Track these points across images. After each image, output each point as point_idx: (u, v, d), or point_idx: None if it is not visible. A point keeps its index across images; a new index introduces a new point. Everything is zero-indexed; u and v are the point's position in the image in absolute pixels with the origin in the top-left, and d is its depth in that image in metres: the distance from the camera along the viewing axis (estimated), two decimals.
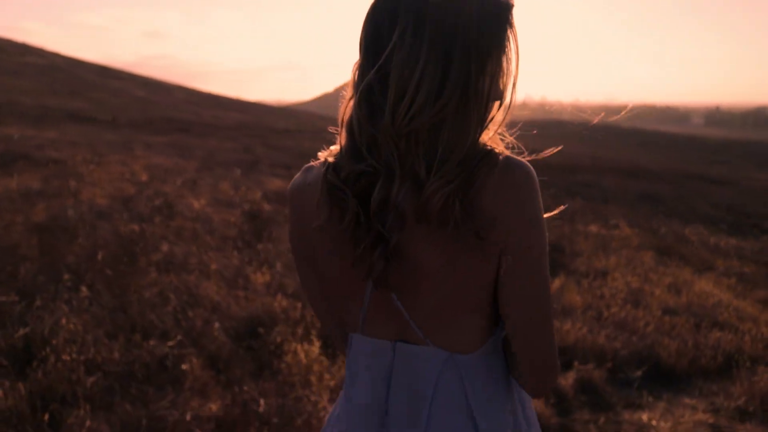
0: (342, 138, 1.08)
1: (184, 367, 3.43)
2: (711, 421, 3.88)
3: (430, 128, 0.99)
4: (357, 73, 1.06)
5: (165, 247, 5.75)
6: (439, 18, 0.98)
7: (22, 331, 3.60)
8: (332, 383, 3.47)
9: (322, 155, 1.12)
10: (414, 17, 0.98)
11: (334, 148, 1.11)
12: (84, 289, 4.40)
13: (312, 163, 1.15)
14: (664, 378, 4.54)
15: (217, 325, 4.09)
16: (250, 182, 11.28)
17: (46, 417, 2.82)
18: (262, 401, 3.09)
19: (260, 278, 5.37)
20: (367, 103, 1.01)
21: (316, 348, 3.87)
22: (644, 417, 3.87)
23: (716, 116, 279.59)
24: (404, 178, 0.99)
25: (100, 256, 5.15)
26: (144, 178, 10.21)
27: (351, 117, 1.04)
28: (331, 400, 3.26)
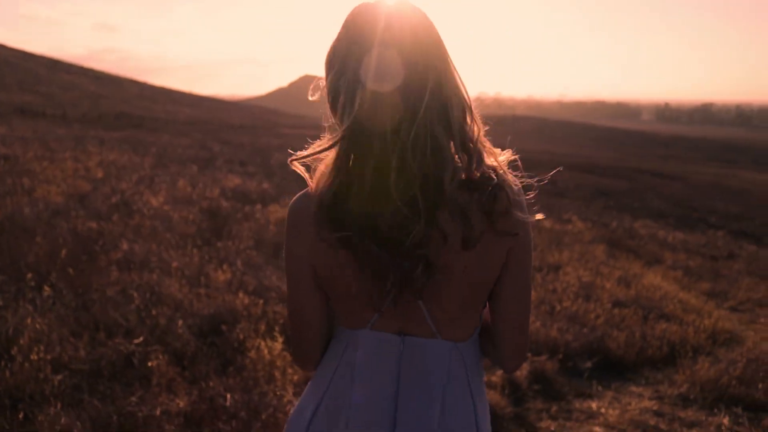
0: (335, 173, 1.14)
1: (150, 364, 3.50)
2: (655, 408, 4.10)
3: None
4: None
5: (125, 246, 5.76)
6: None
7: None
8: (296, 378, 3.57)
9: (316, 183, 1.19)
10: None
11: (320, 174, 1.18)
12: (47, 288, 4.42)
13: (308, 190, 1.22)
14: (613, 368, 4.75)
15: (180, 322, 4.15)
16: (207, 179, 11.25)
17: (21, 416, 2.86)
18: (228, 396, 3.18)
19: (221, 276, 5.43)
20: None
21: (279, 344, 3.96)
22: (594, 405, 4.07)
23: (666, 113, 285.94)
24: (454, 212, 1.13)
25: (62, 255, 5.15)
26: (99, 174, 10.12)
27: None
28: (296, 394, 3.36)
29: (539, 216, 1.25)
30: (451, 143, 1.14)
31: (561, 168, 1.33)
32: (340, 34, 1.17)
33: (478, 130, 1.18)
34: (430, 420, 1.23)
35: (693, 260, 10.46)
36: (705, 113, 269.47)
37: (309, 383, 1.36)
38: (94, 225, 6.43)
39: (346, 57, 1.13)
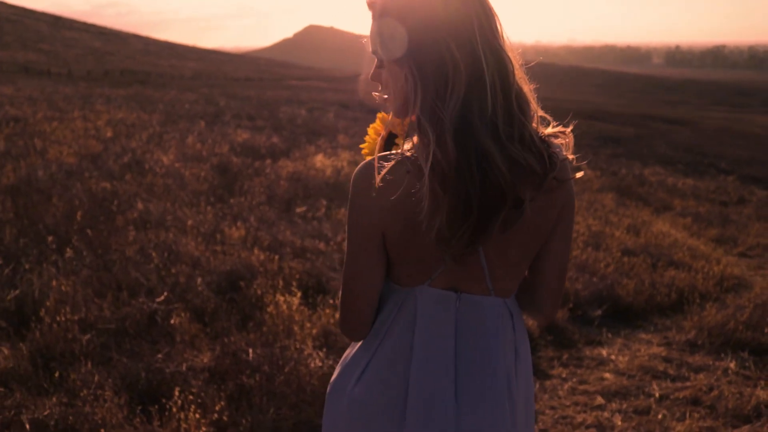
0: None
1: (173, 321, 3.61)
2: (664, 354, 4.20)
3: None
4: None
5: (140, 205, 5.85)
6: None
7: (13, 294, 3.73)
8: (314, 331, 3.68)
9: (405, 148, 1.26)
10: None
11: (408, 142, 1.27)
12: (69, 250, 4.53)
13: (388, 154, 1.25)
14: (623, 316, 4.86)
15: (199, 280, 4.25)
16: (216, 135, 11.29)
17: (57, 375, 2.99)
18: (250, 351, 3.29)
19: (235, 233, 5.53)
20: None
21: (296, 299, 4.07)
22: (604, 352, 4.18)
23: (676, 56, 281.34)
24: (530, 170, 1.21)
25: (78, 217, 5.25)
26: (109, 134, 10.18)
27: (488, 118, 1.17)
28: (316, 347, 3.48)
29: (580, 174, 1.32)
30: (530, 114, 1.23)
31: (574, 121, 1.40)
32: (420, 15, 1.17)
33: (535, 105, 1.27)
34: (495, 384, 1.34)
35: (702, 206, 10.48)
36: (717, 56, 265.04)
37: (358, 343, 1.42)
38: (108, 185, 6.52)
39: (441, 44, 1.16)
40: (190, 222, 5.56)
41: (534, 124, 1.24)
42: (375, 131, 1.51)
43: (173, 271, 4.39)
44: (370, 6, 1.25)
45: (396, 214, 1.22)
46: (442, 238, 1.19)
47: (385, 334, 1.36)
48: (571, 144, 1.32)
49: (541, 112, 1.27)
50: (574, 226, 7.36)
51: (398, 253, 1.29)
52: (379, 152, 1.26)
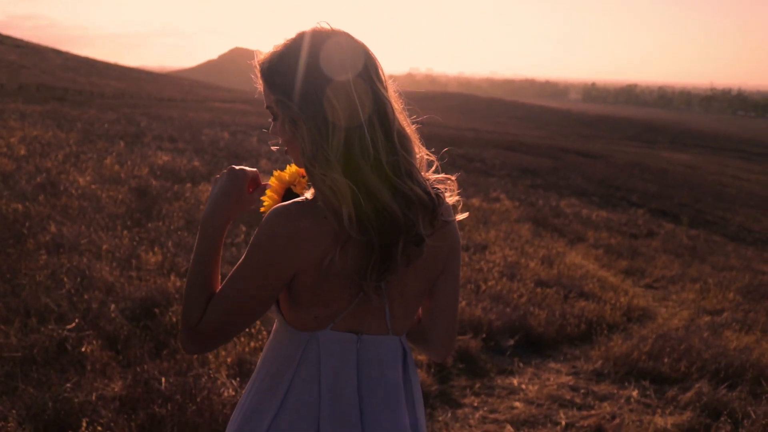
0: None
1: (83, 349, 3.52)
2: (572, 383, 4.37)
3: None
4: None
5: (53, 228, 5.68)
6: None
7: None
8: (229, 360, 3.67)
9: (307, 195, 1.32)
10: None
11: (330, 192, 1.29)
12: None
13: (299, 200, 1.31)
14: (534, 345, 5.02)
15: (113, 306, 4.17)
16: (136, 156, 11.05)
17: None
18: (163, 380, 3.25)
19: (152, 258, 5.43)
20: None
21: None
22: (515, 381, 4.31)
23: (592, 92, 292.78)
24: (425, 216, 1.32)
25: None
26: (22, 152, 9.82)
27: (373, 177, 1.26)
28: (230, 376, 3.46)
29: (464, 215, 1.43)
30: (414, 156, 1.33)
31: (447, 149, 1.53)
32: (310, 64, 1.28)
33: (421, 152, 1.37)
34: (398, 419, 1.40)
35: (614, 238, 10.93)
36: (629, 94, 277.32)
37: (257, 381, 1.42)
38: (19, 206, 6.29)
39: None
40: (105, 246, 5.43)
41: (418, 165, 1.34)
42: (273, 190, 1.55)
43: (85, 297, 4.28)
44: (258, 66, 1.36)
45: (311, 259, 1.27)
46: (355, 276, 1.27)
47: (289, 384, 1.37)
48: (455, 188, 1.41)
49: (425, 154, 1.37)
50: (491, 256, 7.58)
51: (310, 297, 1.32)
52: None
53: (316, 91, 1.25)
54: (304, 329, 1.36)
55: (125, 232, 6.12)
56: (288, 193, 1.54)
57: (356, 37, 1.32)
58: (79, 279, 4.56)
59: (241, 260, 1.30)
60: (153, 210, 7.27)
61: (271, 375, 1.40)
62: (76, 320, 3.85)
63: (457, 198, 1.41)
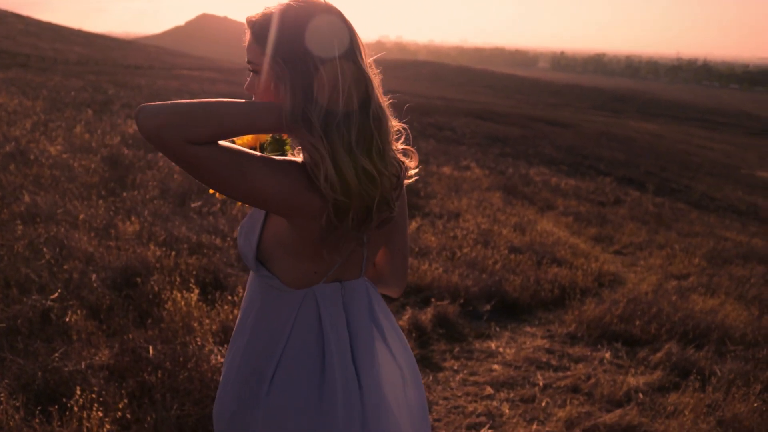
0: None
1: (67, 319, 3.54)
2: (547, 346, 4.50)
3: None
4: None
5: (27, 198, 5.63)
6: None
7: None
8: (214, 327, 3.71)
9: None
10: None
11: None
12: None
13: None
14: (510, 310, 5.14)
15: (94, 276, 4.17)
16: (105, 125, 10.91)
17: None
18: (150, 348, 3.29)
19: (130, 227, 5.42)
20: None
21: (194, 295, 4.07)
22: (492, 345, 4.43)
23: (561, 61, 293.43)
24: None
25: None
26: None
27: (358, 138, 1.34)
28: (217, 343, 3.51)
29: (413, 179, 1.55)
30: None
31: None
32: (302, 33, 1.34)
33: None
34: (386, 349, 1.60)
35: (583, 206, 11.11)
36: (597, 63, 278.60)
37: (250, 345, 1.51)
38: None
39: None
40: (81, 216, 5.40)
41: (390, 137, 1.43)
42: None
43: (66, 267, 4.28)
44: (249, 22, 1.41)
45: (313, 213, 1.37)
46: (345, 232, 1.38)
47: (287, 339, 1.48)
48: (416, 160, 1.53)
49: (397, 125, 1.47)
50: (465, 224, 7.69)
51: (316, 250, 1.43)
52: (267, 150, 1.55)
53: (305, 57, 1.32)
54: (302, 287, 1.48)
55: (101, 201, 6.08)
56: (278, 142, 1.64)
57: (346, 17, 1.40)
58: (58, 249, 4.55)
59: (265, 157, 1.33)
60: (127, 179, 7.22)
61: (265, 338, 1.50)
62: (59, 290, 3.85)
63: (416, 170, 1.53)
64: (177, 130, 1.22)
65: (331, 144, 1.30)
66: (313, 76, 1.31)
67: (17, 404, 2.75)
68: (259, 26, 1.38)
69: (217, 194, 1.60)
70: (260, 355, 1.49)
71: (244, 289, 4.35)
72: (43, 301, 3.66)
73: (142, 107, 1.24)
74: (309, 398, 1.45)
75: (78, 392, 2.78)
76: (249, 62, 1.42)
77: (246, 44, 1.42)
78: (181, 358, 3.14)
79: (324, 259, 1.45)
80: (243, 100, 1.32)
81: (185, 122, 1.22)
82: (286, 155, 1.57)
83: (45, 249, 4.49)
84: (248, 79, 1.45)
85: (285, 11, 1.36)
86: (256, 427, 1.46)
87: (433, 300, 4.90)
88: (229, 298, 4.20)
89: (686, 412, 3.52)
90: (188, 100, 1.27)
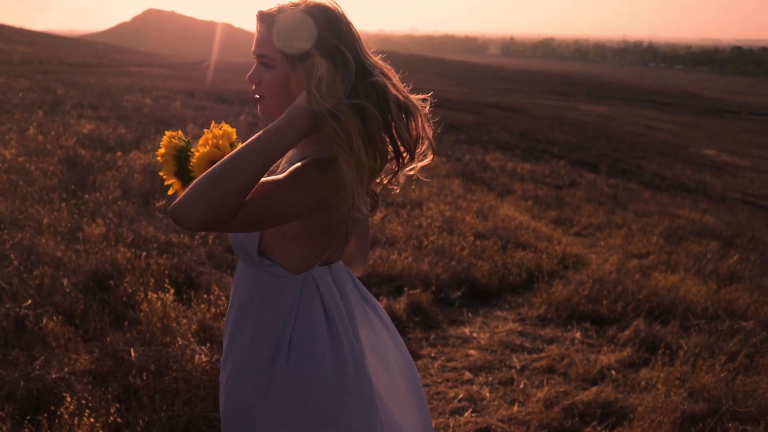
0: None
1: (43, 326, 3.50)
2: (519, 329, 4.61)
3: None
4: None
5: None
6: None
7: None
8: (193, 327, 3.71)
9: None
10: None
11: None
12: None
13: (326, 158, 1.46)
14: (480, 295, 5.24)
15: (65, 281, 4.13)
16: (58, 126, 10.68)
17: None
18: (132, 350, 3.28)
19: (96, 230, 5.36)
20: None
21: (170, 295, 4.06)
22: (467, 331, 4.52)
23: (511, 47, 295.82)
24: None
25: None
26: None
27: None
28: (199, 342, 3.51)
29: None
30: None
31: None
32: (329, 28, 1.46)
33: None
34: (379, 317, 1.75)
35: (540, 190, 11.31)
36: (546, 48, 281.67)
37: (257, 330, 1.59)
38: None
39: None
40: (45, 220, 5.32)
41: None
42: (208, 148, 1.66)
43: (35, 273, 4.22)
44: (266, 16, 1.48)
45: (338, 204, 1.47)
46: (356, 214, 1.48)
47: (295, 321, 1.57)
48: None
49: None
50: (428, 212, 7.77)
51: (325, 237, 1.56)
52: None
53: (337, 52, 1.44)
54: (301, 271, 1.58)
55: (63, 204, 5.99)
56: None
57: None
58: (25, 255, 4.48)
59: (283, 181, 1.39)
60: (87, 180, 7.10)
61: (272, 325, 1.58)
62: (32, 297, 3.80)
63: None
64: (220, 217, 1.28)
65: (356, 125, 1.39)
66: (344, 69, 1.41)
67: (2, 415, 2.73)
68: (281, 22, 1.46)
69: (172, 189, 1.68)
70: (270, 342, 1.57)
71: (218, 287, 4.35)
72: (17, 309, 3.62)
73: (175, 212, 1.28)
74: (325, 371, 1.53)
75: (68, 399, 2.76)
76: (260, 55, 1.50)
77: (258, 37, 1.50)
78: (165, 360, 3.14)
79: (325, 244, 1.56)
80: (257, 136, 1.36)
81: (223, 204, 1.28)
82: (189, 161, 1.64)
83: (12, 255, 4.42)
84: (253, 69, 1.53)
85: (311, 9, 1.46)
86: (275, 412, 1.53)
87: (405, 289, 4.97)
88: (205, 296, 4.20)
89: (659, 386, 3.66)
90: (214, 171, 1.30)
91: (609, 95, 57.30)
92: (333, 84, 1.39)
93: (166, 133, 1.77)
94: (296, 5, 1.47)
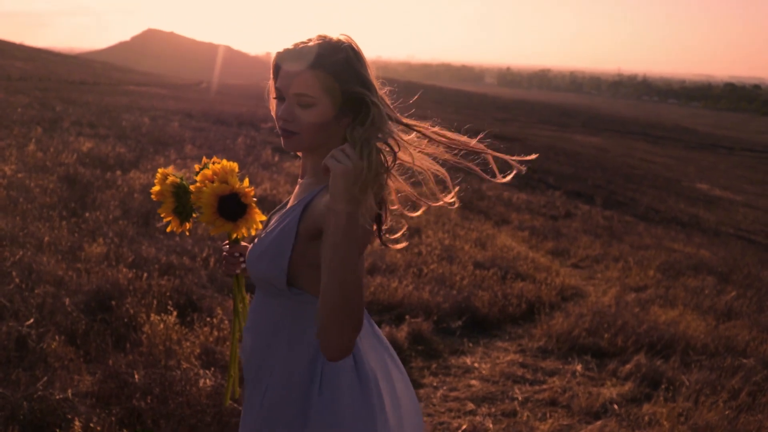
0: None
1: (45, 345, 3.47)
2: (520, 360, 4.60)
3: None
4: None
5: None
6: None
7: None
8: (196, 351, 3.69)
9: None
10: None
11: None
12: None
13: None
14: (480, 325, 5.23)
15: (67, 300, 4.10)
16: (57, 143, 10.68)
17: None
18: (135, 373, 3.25)
19: (96, 249, 5.34)
20: None
21: (173, 317, 4.04)
22: (468, 361, 4.50)
23: (507, 76, 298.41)
24: None
25: None
26: None
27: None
28: (203, 366, 3.49)
29: None
30: None
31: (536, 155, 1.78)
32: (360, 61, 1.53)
33: None
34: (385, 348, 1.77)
35: (537, 220, 11.35)
36: (542, 78, 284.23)
37: (290, 362, 1.57)
38: None
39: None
40: (46, 238, 5.30)
41: None
42: (210, 185, 1.67)
43: (37, 291, 4.19)
44: (303, 54, 1.49)
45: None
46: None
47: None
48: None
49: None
50: (427, 240, 7.78)
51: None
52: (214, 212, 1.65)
53: (372, 88, 1.53)
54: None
55: (63, 223, 5.97)
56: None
57: None
58: (26, 273, 4.45)
59: (336, 243, 1.33)
60: (87, 199, 7.09)
61: (307, 353, 1.56)
62: (34, 316, 3.77)
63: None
64: (360, 324, 1.38)
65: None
66: (375, 103, 1.49)
67: None
68: (325, 59, 1.47)
69: (171, 227, 1.70)
70: (303, 374, 1.54)
71: (222, 310, 4.34)
72: (19, 328, 3.59)
73: (334, 357, 1.39)
74: (354, 396, 1.53)
75: (77, 422, 2.73)
76: (299, 94, 1.48)
77: (291, 76, 1.48)
78: (169, 383, 3.11)
79: None
80: (341, 237, 1.33)
81: (359, 318, 1.36)
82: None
83: (14, 273, 4.39)
84: (285, 107, 1.51)
85: (348, 46, 1.50)
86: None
87: (407, 317, 4.95)
88: (207, 320, 4.18)
89: (663, 422, 3.65)
90: (336, 310, 1.34)
91: (604, 127, 57.75)
92: (375, 125, 1.49)
93: (159, 170, 1.76)
94: (344, 42, 1.51)
